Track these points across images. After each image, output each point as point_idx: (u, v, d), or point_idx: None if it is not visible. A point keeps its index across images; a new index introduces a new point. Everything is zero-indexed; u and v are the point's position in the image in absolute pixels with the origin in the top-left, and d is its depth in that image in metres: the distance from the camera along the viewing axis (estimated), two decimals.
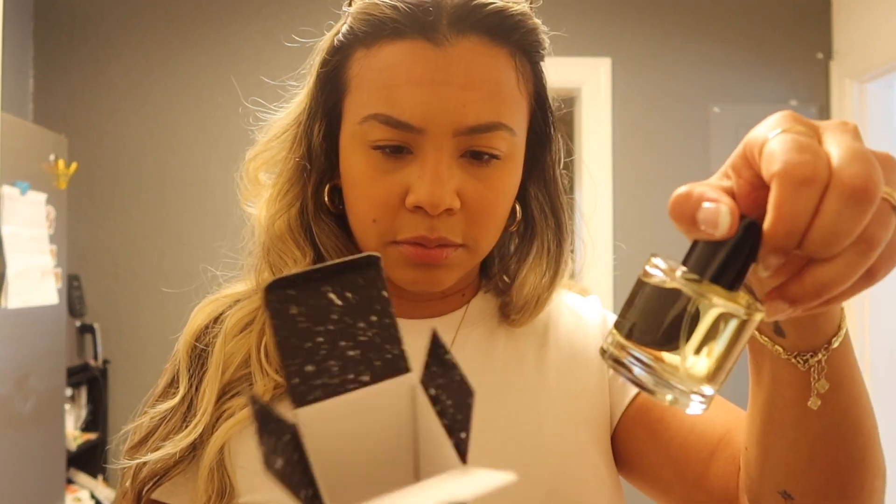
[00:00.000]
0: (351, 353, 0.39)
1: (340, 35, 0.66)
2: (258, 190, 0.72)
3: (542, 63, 0.68)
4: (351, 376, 0.39)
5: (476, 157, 0.63)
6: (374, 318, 0.39)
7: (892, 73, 2.75)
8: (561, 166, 0.73)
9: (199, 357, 0.69)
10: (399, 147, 0.62)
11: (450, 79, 0.60)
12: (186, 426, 0.67)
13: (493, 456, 0.65)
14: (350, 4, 0.66)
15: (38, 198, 2.32)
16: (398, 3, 0.62)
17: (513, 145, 0.64)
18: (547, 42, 0.68)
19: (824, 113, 3.00)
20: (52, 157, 2.41)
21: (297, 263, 0.68)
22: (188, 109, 2.87)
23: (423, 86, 0.60)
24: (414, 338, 0.70)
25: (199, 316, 0.72)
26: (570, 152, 0.75)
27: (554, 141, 0.71)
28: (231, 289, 0.74)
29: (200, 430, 0.65)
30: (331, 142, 0.68)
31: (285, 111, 0.72)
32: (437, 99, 0.60)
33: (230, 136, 2.79)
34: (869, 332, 2.86)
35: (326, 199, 0.70)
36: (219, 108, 2.84)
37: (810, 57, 3.01)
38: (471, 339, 0.72)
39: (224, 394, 0.66)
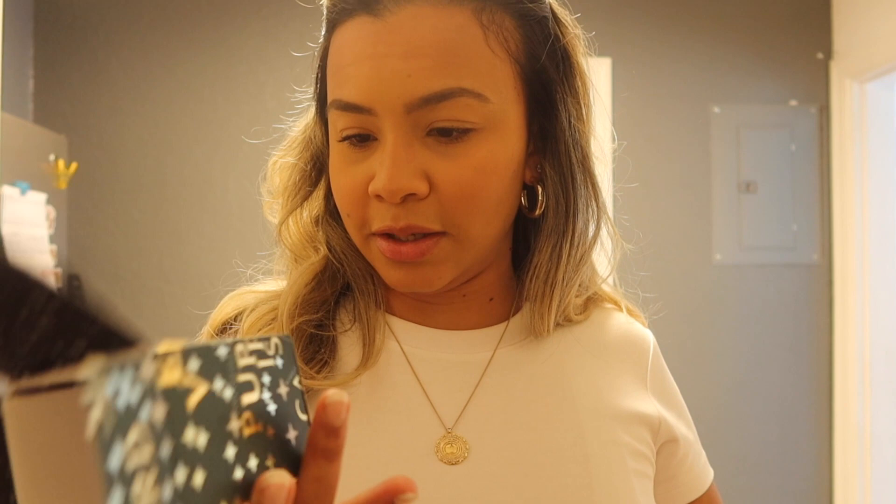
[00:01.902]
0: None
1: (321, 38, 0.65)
2: (278, 196, 0.71)
3: (542, 18, 0.61)
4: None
5: (444, 133, 0.56)
6: None
7: (892, 73, 2.75)
8: (578, 135, 0.65)
9: None
10: (365, 136, 0.58)
11: (390, 49, 0.55)
12: None
13: (539, 486, 0.60)
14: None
15: (38, 198, 2.32)
16: None
17: (489, 114, 0.57)
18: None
19: (824, 112, 3.01)
20: (52, 157, 2.41)
21: (311, 264, 0.66)
22: (188, 109, 2.87)
23: (364, 61, 0.56)
24: (439, 350, 0.66)
25: (225, 308, 0.69)
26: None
27: (559, 108, 0.63)
28: (261, 285, 0.71)
29: None
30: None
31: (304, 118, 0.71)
32: (378, 73, 0.55)
33: (230, 137, 2.79)
34: (869, 332, 2.86)
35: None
36: (219, 108, 2.84)
37: (810, 57, 3.01)
38: (511, 358, 0.66)
39: None
